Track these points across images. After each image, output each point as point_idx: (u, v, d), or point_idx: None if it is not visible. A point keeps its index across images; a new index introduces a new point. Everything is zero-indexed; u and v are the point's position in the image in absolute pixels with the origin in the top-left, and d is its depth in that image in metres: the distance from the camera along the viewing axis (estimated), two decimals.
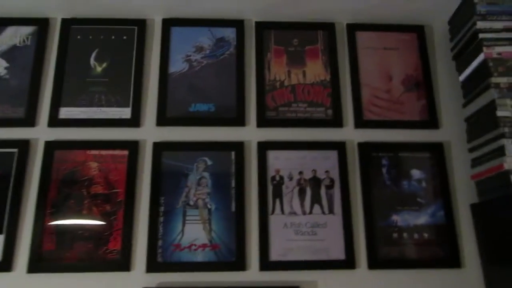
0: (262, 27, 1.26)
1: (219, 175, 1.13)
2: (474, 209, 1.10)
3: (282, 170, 1.13)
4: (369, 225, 1.09)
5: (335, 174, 1.13)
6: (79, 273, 1.05)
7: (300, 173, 1.13)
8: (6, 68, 1.24)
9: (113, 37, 1.26)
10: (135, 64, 1.23)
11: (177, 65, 1.23)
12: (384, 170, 1.14)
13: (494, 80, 1.03)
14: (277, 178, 1.13)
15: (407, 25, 1.28)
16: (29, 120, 1.17)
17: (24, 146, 1.15)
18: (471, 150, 1.12)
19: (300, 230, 1.09)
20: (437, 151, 1.16)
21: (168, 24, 1.26)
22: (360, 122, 1.18)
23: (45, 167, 1.13)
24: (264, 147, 1.15)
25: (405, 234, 1.09)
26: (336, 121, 1.18)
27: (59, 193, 1.12)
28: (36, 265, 1.06)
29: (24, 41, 1.26)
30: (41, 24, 1.26)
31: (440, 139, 1.18)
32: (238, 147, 1.15)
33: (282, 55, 1.24)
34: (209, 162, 1.14)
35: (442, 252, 1.07)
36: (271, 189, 1.12)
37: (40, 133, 1.17)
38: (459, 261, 1.06)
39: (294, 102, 1.20)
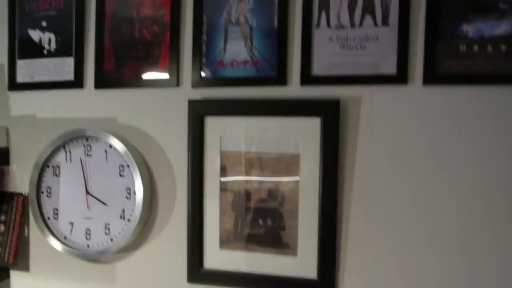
0: None
1: None
2: None
3: None
4: (430, 36, 0.99)
5: None
6: (135, 88, 1.23)
7: None
8: None
9: None
10: None
11: None
12: None
13: None
14: None
15: None
16: None
17: None
18: None
19: (347, 44, 1.06)
20: None
21: None
22: None
23: None
24: None
25: (475, 47, 0.98)
26: None
27: (113, 18, 1.26)
28: (101, 82, 1.27)
29: None
30: None
31: None
32: None
33: None
34: None
35: None
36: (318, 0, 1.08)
37: None
38: None
39: None
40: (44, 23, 1.33)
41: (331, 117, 1.04)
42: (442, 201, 1.00)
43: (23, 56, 1.35)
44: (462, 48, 0.99)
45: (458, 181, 0.99)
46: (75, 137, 1.22)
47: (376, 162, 1.04)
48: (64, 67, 1.31)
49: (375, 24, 1.04)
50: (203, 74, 1.16)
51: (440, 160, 1.00)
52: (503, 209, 0.96)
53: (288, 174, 1.08)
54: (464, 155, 0.98)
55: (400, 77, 1.02)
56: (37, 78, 1.34)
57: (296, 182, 1.08)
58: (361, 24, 1.05)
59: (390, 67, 1.03)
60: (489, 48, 0.97)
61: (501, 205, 0.96)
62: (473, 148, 0.98)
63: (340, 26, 1.06)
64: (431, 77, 1.00)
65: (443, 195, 1.00)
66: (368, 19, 1.05)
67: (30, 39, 1.34)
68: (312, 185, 1.06)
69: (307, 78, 1.08)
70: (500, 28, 0.97)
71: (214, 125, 1.14)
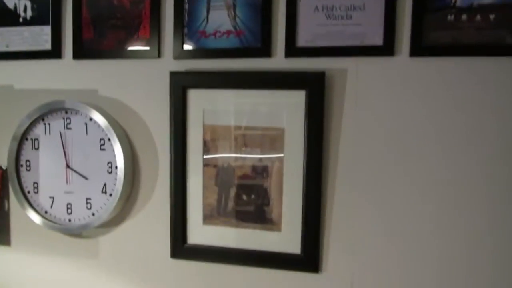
0: None
1: None
2: None
3: None
4: (417, 7, 0.98)
5: None
6: (115, 59, 1.21)
7: None
8: None
9: None
10: None
11: None
12: None
13: None
14: None
15: None
16: None
17: None
18: None
19: (333, 14, 1.05)
20: None
21: None
22: None
23: None
24: None
25: (464, 16, 0.97)
26: None
27: None
28: (80, 52, 1.24)
29: None
30: None
31: None
32: None
33: None
34: None
35: (511, 38, 0.95)
36: None
37: None
38: None
39: None
40: None
41: (316, 90, 1.03)
42: (430, 172, 1.01)
43: None
44: (450, 18, 0.98)
45: (446, 151, 1.00)
46: (54, 109, 1.21)
47: (362, 135, 1.04)
48: (41, 36, 1.28)
49: None
50: (185, 45, 1.14)
51: (427, 131, 1.00)
52: (493, 178, 0.97)
53: (273, 148, 1.09)
54: (452, 126, 0.99)
55: (387, 48, 1.01)
56: (13, 47, 1.31)
57: (281, 157, 1.08)
58: None
59: (376, 38, 1.02)
60: (478, 17, 0.96)
61: (491, 174, 0.97)
62: (461, 119, 0.98)
63: None
64: (418, 49, 0.99)
65: (431, 166, 1.00)
66: None
67: (4, 5, 1.31)
68: (297, 159, 1.07)
69: (292, 49, 1.06)
70: None
71: (196, 98, 1.13)
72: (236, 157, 1.11)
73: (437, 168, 1.00)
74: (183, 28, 1.15)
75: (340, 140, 1.05)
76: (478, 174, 0.98)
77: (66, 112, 1.21)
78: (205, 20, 1.13)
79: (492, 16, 0.95)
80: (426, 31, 0.99)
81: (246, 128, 1.10)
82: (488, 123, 0.97)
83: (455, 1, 0.97)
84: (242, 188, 1.11)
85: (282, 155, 1.08)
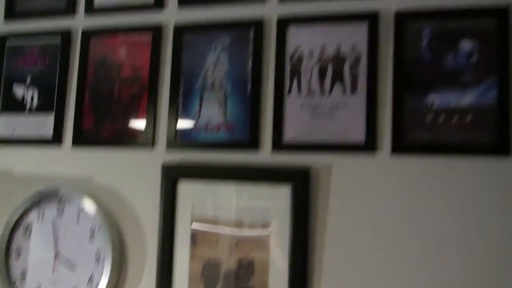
0: None
1: (237, 55, 1.23)
2: None
3: (303, 47, 1.18)
4: (397, 106, 1.08)
5: (362, 50, 1.13)
6: (112, 147, 1.33)
7: (322, 49, 1.16)
8: None
9: None
10: None
11: None
12: (424, 43, 1.09)
13: None
14: (296, 56, 1.18)
15: None
16: (69, 9, 1.43)
17: (65, 34, 1.41)
18: None
19: (317, 112, 1.15)
20: (500, 17, 1.05)
21: None
22: None
23: (83, 53, 1.37)
24: (284, 22, 1.19)
25: (441, 117, 1.06)
26: None
27: (94, 77, 1.38)
28: (79, 140, 1.37)
29: None
30: None
31: (506, 1, 1.06)
32: (257, 24, 1.21)
33: None
34: (228, 42, 1.26)
35: (487, 138, 1.02)
36: (289, 67, 1.19)
37: (79, 22, 1.42)
38: (508, 148, 1.01)
39: None
40: (29, 79, 1.46)
41: (302, 186, 1.11)
42: (413, 269, 1.04)
43: (5, 110, 1.47)
44: (429, 118, 1.07)
45: (427, 249, 1.04)
46: (48, 196, 1.30)
47: (347, 229, 1.10)
48: (44, 124, 1.42)
49: (344, 91, 1.14)
50: (177, 138, 1.26)
51: (409, 229, 1.06)
52: (471, 270, 1.00)
53: (259, 244, 1.14)
54: (432, 222, 1.04)
55: (369, 146, 1.10)
56: (17, 134, 1.45)
57: (267, 252, 1.14)
58: (330, 91, 1.15)
59: (359, 135, 1.11)
60: (455, 118, 1.06)
61: (468, 267, 1.00)
62: (441, 215, 1.04)
63: (311, 93, 1.17)
64: (399, 147, 1.08)
65: (413, 263, 1.04)
66: (338, 87, 1.15)
67: (13, 95, 1.47)
68: (282, 255, 1.12)
69: (279, 144, 1.16)
70: (464, 99, 1.05)
71: (186, 190, 1.21)
72: (223, 252, 1.17)
73: (419, 264, 1.04)
74: (177, 121, 1.27)
75: (325, 235, 1.11)
76: (455, 267, 1.01)
77: (60, 200, 1.30)
78: (198, 113, 1.26)
79: (468, 118, 1.05)
80: (407, 130, 1.08)
81: (233, 220, 1.17)
82: (466, 220, 1.02)
83: (433, 102, 1.08)
84: (228, 283, 1.16)
85: (268, 251, 1.13)
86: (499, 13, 1.05)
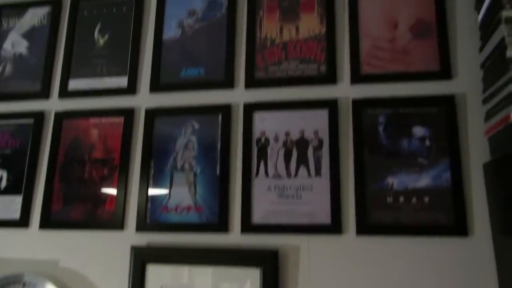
0: None
1: (206, 138, 1.28)
2: (486, 169, 1.07)
3: (268, 131, 1.23)
4: (359, 188, 1.13)
5: (324, 134, 1.19)
6: (80, 230, 1.31)
7: (287, 134, 1.22)
8: (27, 47, 1.55)
9: (114, 9, 1.49)
10: (132, 34, 1.43)
11: (170, 32, 1.41)
12: (380, 128, 1.16)
13: (506, 14, 1.00)
14: (263, 140, 1.24)
15: None
16: (44, 93, 1.46)
17: (39, 117, 1.44)
18: (484, 101, 1.09)
19: (284, 193, 1.19)
20: (447, 104, 1.13)
21: None
22: (357, 77, 1.21)
23: (54, 135, 1.40)
24: (250, 108, 1.25)
25: (401, 198, 1.11)
26: (330, 78, 1.23)
27: (65, 158, 1.39)
28: (46, 222, 1.34)
29: (41, 21, 1.57)
30: (54, 4, 1.54)
31: (452, 91, 1.15)
32: (225, 109, 1.28)
33: (275, 11, 1.33)
34: (197, 126, 1.30)
35: (445, 218, 1.07)
36: (256, 151, 1.23)
37: (52, 105, 1.45)
38: (466, 228, 1.04)
39: (285, 60, 1.28)
40: None
41: (270, 268, 1.11)
42: None
43: None
44: (389, 199, 1.12)
45: None
46: (11, 282, 1.25)
47: None
48: (12, 206, 1.39)
49: (309, 174, 1.18)
50: (147, 219, 1.26)
51: None
52: None
53: None
54: None
55: (335, 227, 1.12)
56: None
57: None
58: (296, 174, 1.19)
59: (325, 217, 1.14)
60: (414, 200, 1.10)
61: None
62: None
63: (277, 175, 1.20)
64: (363, 228, 1.10)
65: None
66: (303, 170, 1.19)
67: None
68: None
69: (247, 226, 1.17)
70: (421, 181, 1.11)
71: (155, 273, 1.19)
72: None
73: None
74: (146, 203, 1.27)
75: None
76: None
77: (24, 286, 1.25)
78: (168, 195, 1.27)
79: (426, 199, 1.09)
80: (370, 210, 1.11)
81: None
82: None
83: (392, 184, 1.12)
84: None
85: None
86: (446, 101, 1.14)
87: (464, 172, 1.09)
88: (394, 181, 1.11)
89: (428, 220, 1.07)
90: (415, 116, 1.14)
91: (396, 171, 1.12)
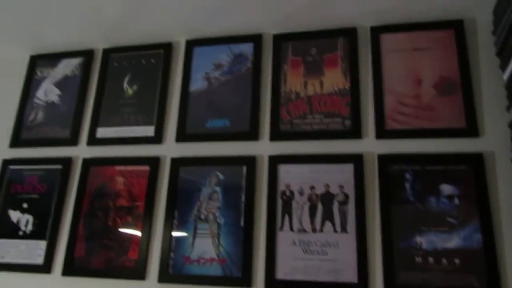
0: (280, 39, 1.40)
1: (230, 189, 1.27)
2: None
3: (293, 184, 1.23)
4: (387, 246, 1.10)
5: (350, 189, 1.18)
6: (102, 278, 1.29)
7: (312, 188, 1.21)
8: (59, 95, 1.61)
9: (143, 61, 1.54)
10: (160, 85, 1.47)
11: (197, 84, 1.44)
12: (407, 185, 1.14)
13: None
14: (287, 193, 1.23)
15: (443, 21, 1.28)
16: (72, 140, 1.50)
17: (67, 163, 1.47)
18: None
19: (309, 249, 1.16)
20: (475, 163, 1.12)
21: (191, 45, 1.49)
22: (382, 132, 1.21)
23: (81, 182, 1.42)
24: (275, 161, 1.26)
25: (430, 259, 1.07)
26: (355, 132, 1.23)
27: (90, 205, 1.39)
28: (69, 269, 1.33)
29: (73, 71, 1.63)
30: (87, 55, 1.61)
31: (480, 149, 1.13)
32: (250, 161, 1.28)
33: (299, 66, 1.36)
34: (221, 177, 1.30)
35: (478, 282, 1.02)
36: (281, 204, 1.22)
37: (80, 151, 1.48)
38: None
39: (309, 114, 1.30)
40: (25, 205, 1.47)
41: None
42: None
43: None
44: (418, 259, 1.08)
45: None
46: None
47: None
48: (36, 250, 1.39)
49: (335, 230, 1.16)
50: (170, 269, 1.24)
51: None
52: None
53: None
54: None
55: (363, 286, 1.08)
56: (7, 259, 1.40)
57: None
58: (321, 229, 1.17)
59: (351, 275, 1.10)
60: (444, 261, 1.06)
61: None
62: None
63: (302, 230, 1.18)
64: None
65: None
66: (328, 225, 1.17)
67: (8, 219, 1.46)
68: None
69: (271, 282, 1.14)
70: (451, 241, 1.07)
71: None
72: None
73: None
74: (169, 253, 1.25)
75: None
76: None
77: None
78: (191, 246, 1.25)
79: (457, 261, 1.05)
80: (397, 271, 1.08)
81: None
82: None
83: (421, 243, 1.09)
84: None
85: None
86: (474, 159, 1.12)
87: (496, 233, 1.05)
88: (423, 240, 1.08)
89: (459, 283, 1.03)
90: (442, 174, 1.12)
91: (424, 230, 1.09)
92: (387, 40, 1.30)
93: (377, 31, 1.32)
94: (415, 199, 1.12)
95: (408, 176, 1.15)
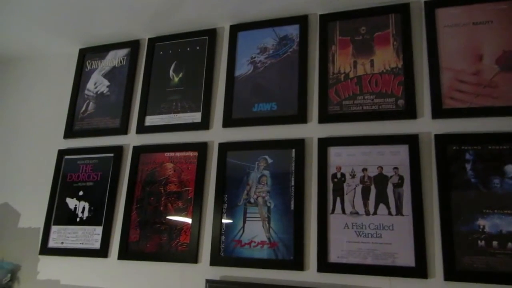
0: (327, 19, 1.37)
1: (279, 173, 1.27)
2: None
3: (344, 167, 1.20)
4: (446, 230, 1.05)
5: (405, 171, 1.14)
6: (155, 262, 1.33)
7: (364, 170, 1.18)
8: (108, 86, 1.66)
9: (188, 48, 1.56)
10: (205, 71, 1.49)
11: (242, 68, 1.44)
12: (468, 166, 1.09)
13: None
14: (338, 175, 1.20)
15: None
16: (123, 129, 1.55)
17: (118, 151, 1.52)
18: None
19: (362, 232, 1.14)
20: None
21: (235, 29, 1.49)
22: (439, 112, 1.16)
23: (133, 169, 1.47)
24: (324, 143, 1.24)
25: (494, 243, 1.02)
26: (409, 112, 1.19)
27: (142, 191, 1.44)
28: (124, 253, 1.39)
29: (121, 62, 1.67)
30: (133, 46, 1.65)
31: None
32: (299, 144, 1.27)
33: (347, 46, 1.33)
34: (270, 160, 1.30)
35: None
36: (332, 187, 1.20)
37: (130, 140, 1.53)
38: None
39: (359, 95, 1.26)
40: (81, 193, 1.54)
41: None
42: None
43: (57, 222, 1.53)
44: (481, 243, 1.03)
45: None
46: None
47: None
48: (92, 236, 1.46)
49: (390, 213, 1.13)
50: (221, 253, 1.25)
51: None
52: None
53: None
54: None
55: (420, 271, 1.05)
56: (66, 245, 1.48)
57: None
58: (375, 212, 1.14)
59: (408, 259, 1.07)
60: (510, 244, 1.01)
61: None
62: None
63: (355, 213, 1.16)
64: (452, 273, 1.02)
65: None
66: (382, 208, 1.14)
67: (66, 206, 1.53)
68: None
69: (324, 265, 1.13)
70: None
71: None
72: None
73: None
74: (220, 237, 1.27)
75: None
76: None
77: None
78: (242, 229, 1.26)
79: None
80: (459, 255, 1.03)
81: None
82: None
83: (484, 226, 1.04)
84: None
85: None
86: None
87: None
88: (486, 224, 1.03)
89: None
90: (507, 154, 1.06)
91: (487, 212, 1.04)
92: (443, 14, 1.24)
93: (432, 6, 1.26)
94: (477, 181, 1.07)
95: (468, 156, 1.09)
